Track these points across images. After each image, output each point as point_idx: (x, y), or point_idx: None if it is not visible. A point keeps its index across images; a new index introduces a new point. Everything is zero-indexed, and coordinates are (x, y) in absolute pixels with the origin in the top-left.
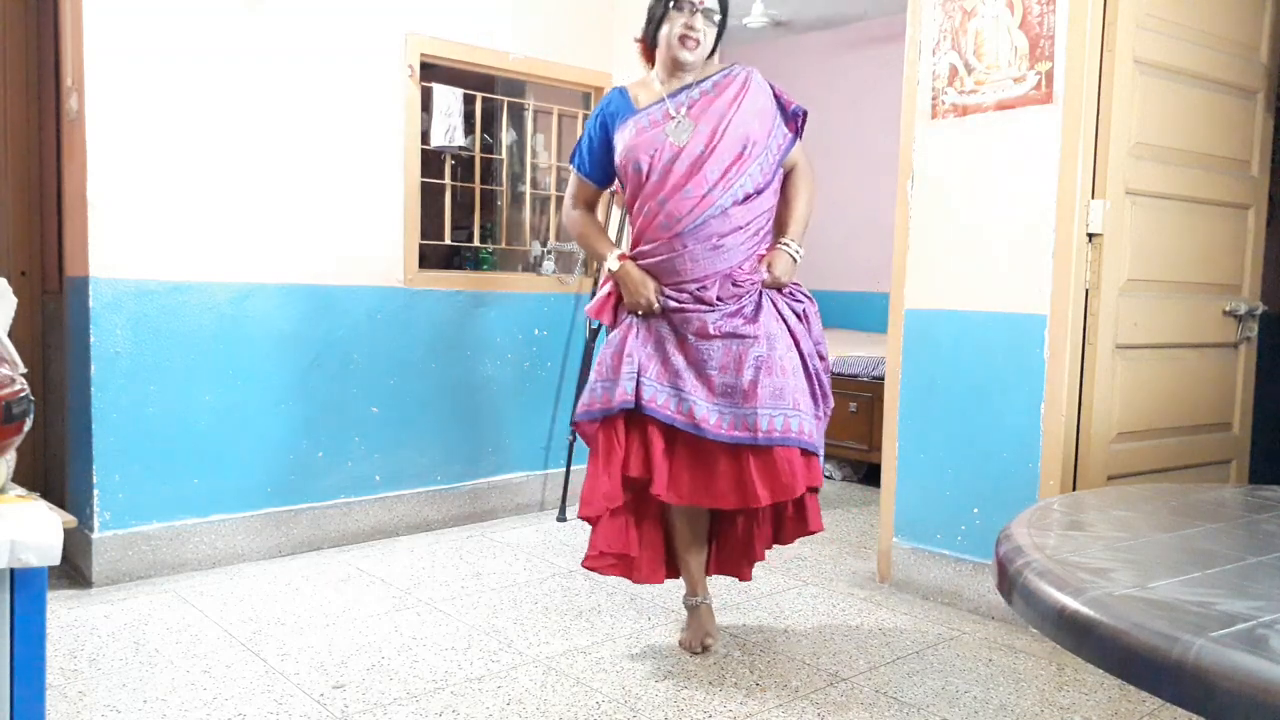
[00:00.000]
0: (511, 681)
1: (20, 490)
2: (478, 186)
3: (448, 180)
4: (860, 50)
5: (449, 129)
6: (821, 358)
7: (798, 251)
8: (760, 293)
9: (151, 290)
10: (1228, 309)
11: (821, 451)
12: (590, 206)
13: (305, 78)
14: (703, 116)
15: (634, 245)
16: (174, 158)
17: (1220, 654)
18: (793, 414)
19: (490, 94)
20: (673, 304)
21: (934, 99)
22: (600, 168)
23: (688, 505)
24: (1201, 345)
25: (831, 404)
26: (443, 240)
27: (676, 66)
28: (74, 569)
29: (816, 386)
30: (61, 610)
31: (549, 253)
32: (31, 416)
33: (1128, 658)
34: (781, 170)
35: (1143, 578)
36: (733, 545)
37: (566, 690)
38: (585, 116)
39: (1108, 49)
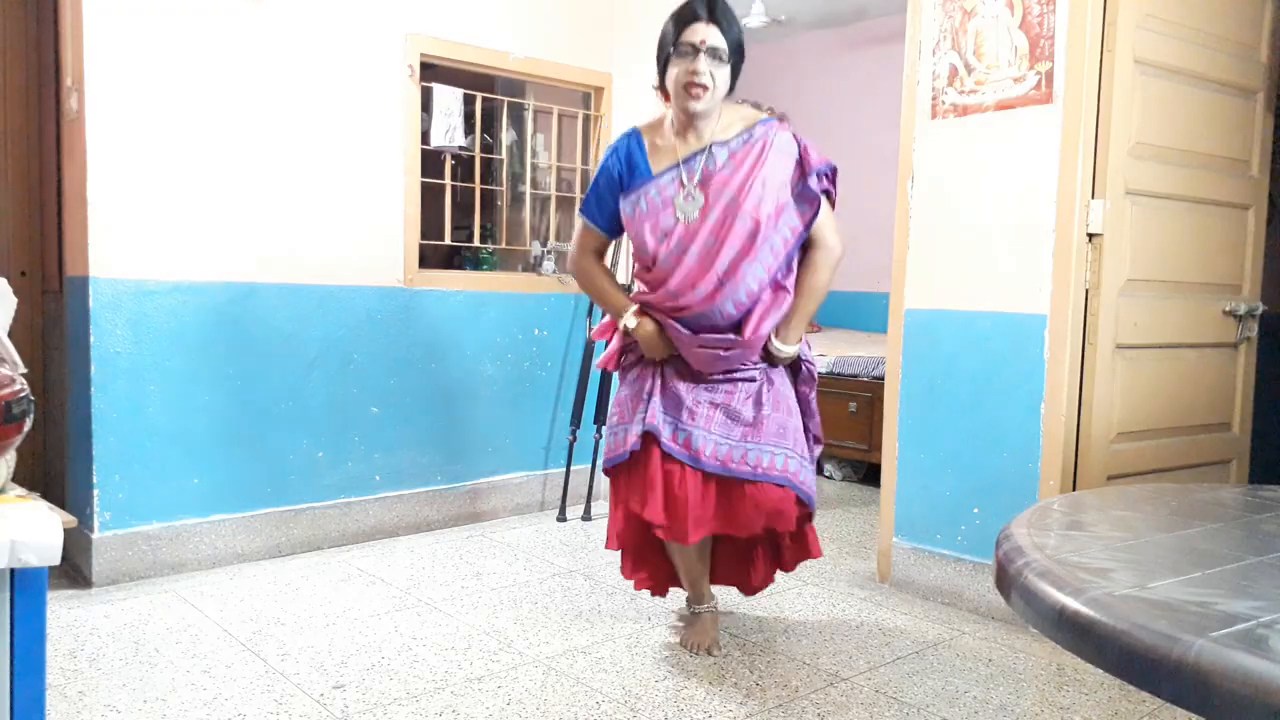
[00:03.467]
0: (511, 681)
1: (20, 490)
2: (478, 186)
3: (448, 180)
4: (860, 50)
5: (449, 129)
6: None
7: (785, 354)
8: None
9: (151, 290)
10: (1228, 309)
11: (814, 500)
12: (600, 255)
13: (305, 78)
14: (718, 195)
15: (642, 290)
16: (174, 157)
17: (1220, 654)
18: (793, 456)
19: (490, 94)
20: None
21: (934, 99)
22: (611, 220)
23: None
24: (1201, 345)
25: (820, 448)
26: (443, 240)
27: (688, 117)
28: (74, 569)
29: (811, 426)
30: (61, 610)
31: (549, 253)
32: (31, 416)
33: (1128, 658)
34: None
35: (1143, 578)
36: (734, 557)
37: (566, 690)
38: (585, 117)
39: (1108, 49)
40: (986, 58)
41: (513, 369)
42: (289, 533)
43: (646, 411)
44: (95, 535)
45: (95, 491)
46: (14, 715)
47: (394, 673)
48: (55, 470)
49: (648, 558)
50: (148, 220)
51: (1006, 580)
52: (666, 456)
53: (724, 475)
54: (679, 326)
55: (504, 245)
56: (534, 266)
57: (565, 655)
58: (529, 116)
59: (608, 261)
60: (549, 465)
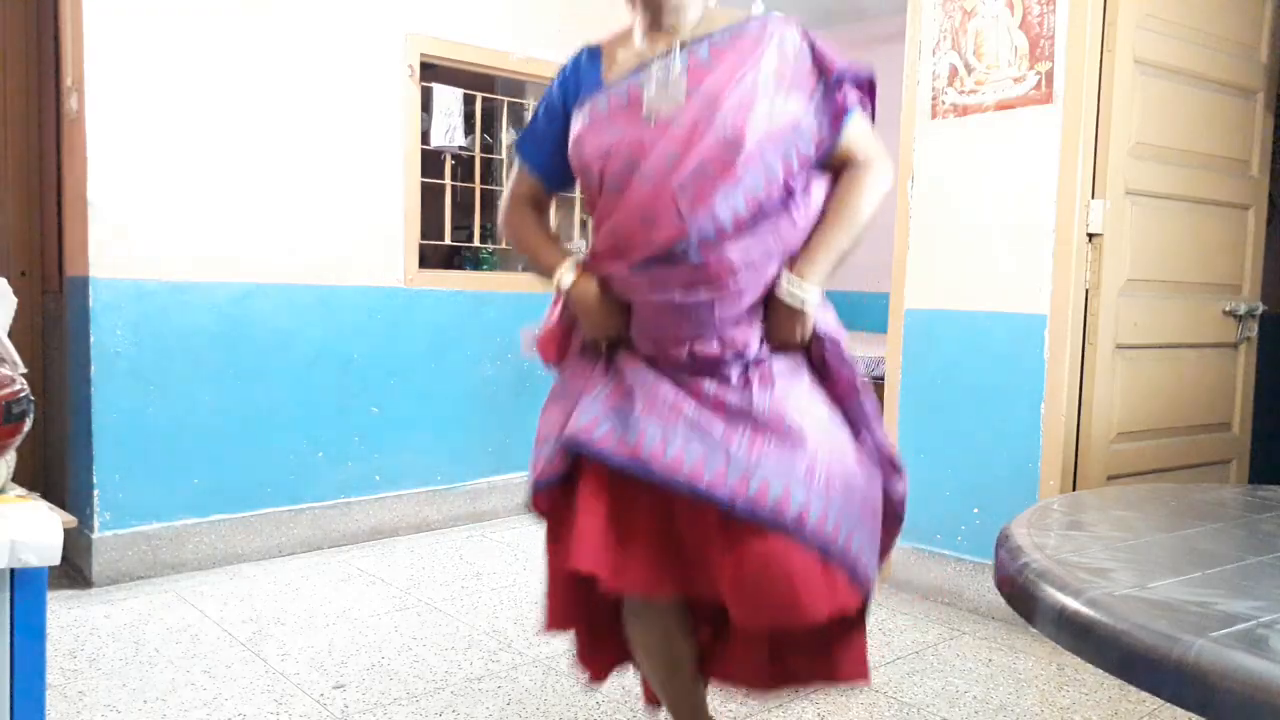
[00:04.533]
0: (511, 681)
1: (20, 490)
2: (478, 186)
3: (448, 180)
4: (860, 50)
5: (449, 129)
6: (895, 466)
7: (800, 298)
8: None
9: (151, 290)
10: (1228, 309)
11: (868, 584)
12: (538, 209)
13: (305, 78)
14: (691, 95)
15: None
16: (174, 158)
17: (1220, 654)
18: (817, 495)
19: (490, 94)
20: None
21: (934, 99)
22: (549, 159)
23: (641, 601)
24: (1201, 345)
25: (902, 489)
26: (443, 240)
27: (656, 9)
28: (74, 569)
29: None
30: (61, 610)
31: None
32: (31, 416)
33: (1128, 658)
34: (821, 176)
35: (1143, 578)
36: (730, 651)
37: (566, 690)
38: None
39: (1108, 49)
40: (986, 58)
41: (513, 369)
42: (289, 533)
43: (572, 413)
44: (95, 535)
45: (95, 491)
46: (14, 715)
47: (394, 673)
48: (55, 470)
49: (606, 635)
50: (148, 220)
51: (1006, 580)
52: (602, 471)
53: (694, 495)
54: (625, 269)
55: (504, 245)
56: None
57: (565, 655)
58: (529, 116)
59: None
60: None
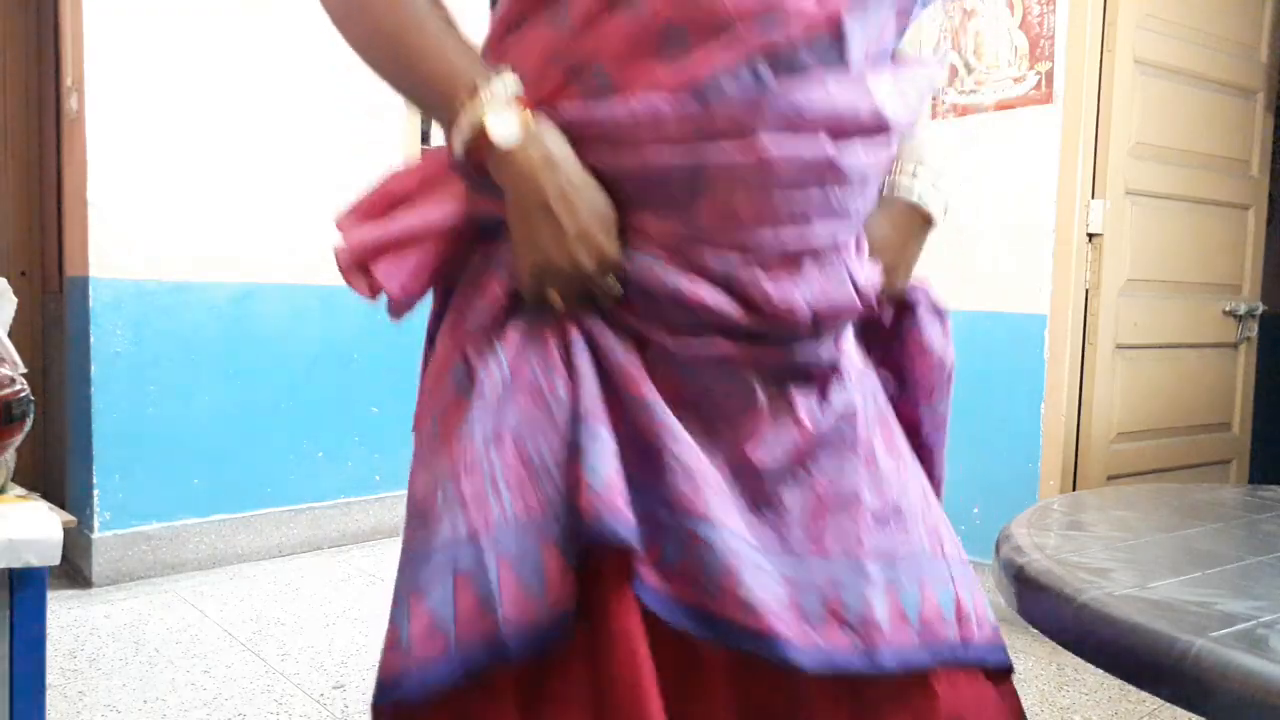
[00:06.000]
0: None
1: (20, 490)
2: None
3: None
4: None
5: None
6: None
7: (939, 198)
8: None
9: (151, 290)
10: (1228, 309)
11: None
12: None
13: (305, 77)
14: None
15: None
16: (174, 157)
17: (1220, 654)
18: (958, 573)
19: None
20: (665, 295)
21: (934, 99)
22: None
23: None
24: (1201, 345)
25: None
26: None
27: None
28: (74, 569)
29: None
30: (61, 610)
31: None
32: (31, 416)
33: (1128, 658)
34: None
35: (1143, 578)
36: None
37: None
38: None
39: (1108, 49)
40: (986, 58)
41: None
42: (289, 533)
43: (594, 471)
44: (95, 535)
45: (95, 491)
46: (14, 715)
47: None
48: (55, 470)
49: None
50: (148, 220)
51: (1006, 580)
52: (650, 620)
53: (787, 666)
54: (697, 77)
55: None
56: None
57: None
58: None
59: None
60: None
